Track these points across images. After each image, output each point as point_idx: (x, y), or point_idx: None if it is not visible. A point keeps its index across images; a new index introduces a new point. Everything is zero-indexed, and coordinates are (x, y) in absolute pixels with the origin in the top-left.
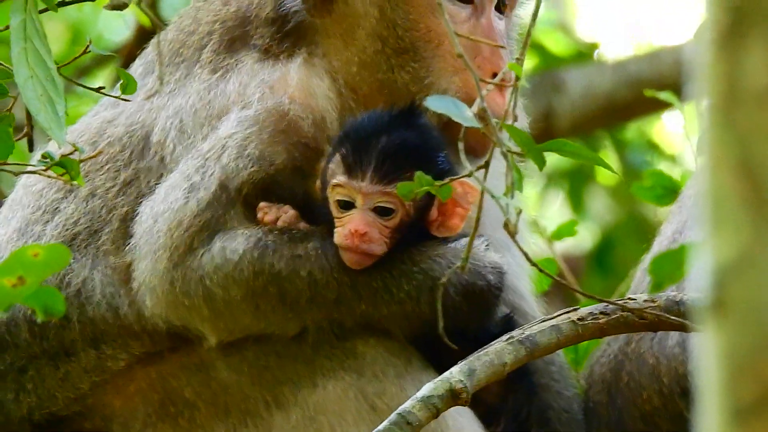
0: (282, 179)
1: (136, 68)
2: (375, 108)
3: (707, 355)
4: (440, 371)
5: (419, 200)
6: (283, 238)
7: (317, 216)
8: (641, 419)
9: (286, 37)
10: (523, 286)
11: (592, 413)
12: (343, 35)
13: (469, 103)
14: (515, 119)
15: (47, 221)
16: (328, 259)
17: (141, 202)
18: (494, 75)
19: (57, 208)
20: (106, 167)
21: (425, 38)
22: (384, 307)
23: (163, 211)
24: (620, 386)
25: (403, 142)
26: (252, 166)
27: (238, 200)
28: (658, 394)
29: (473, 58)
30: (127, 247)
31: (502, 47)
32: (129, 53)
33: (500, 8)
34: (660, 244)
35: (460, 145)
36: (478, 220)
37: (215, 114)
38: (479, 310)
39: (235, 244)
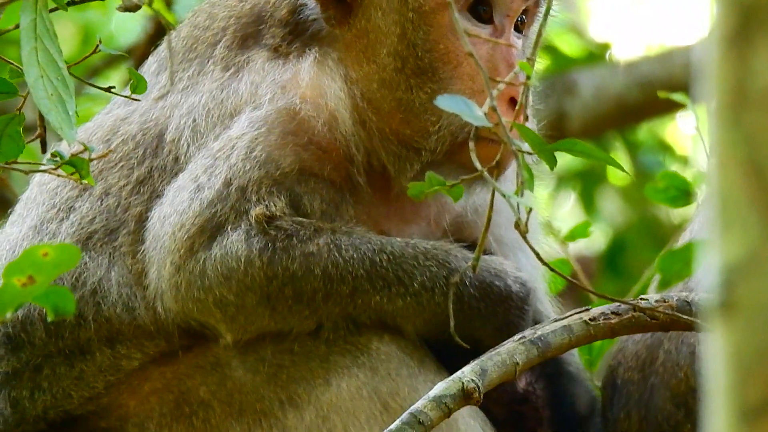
0: (288, 182)
1: (149, 65)
2: (394, 125)
3: (716, 355)
4: (452, 374)
5: None
6: (291, 238)
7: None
8: (672, 400)
9: (297, 38)
10: (538, 287)
11: (620, 391)
12: (363, 51)
13: (485, 128)
14: (526, 119)
15: (62, 219)
16: (340, 253)
17: (155, 201)
18: (512, 99)
19: (72, 206)
20: (120, 165)
21: (444, 59)
22: (399, 299)
23: (169, 214)
24: (655, 365)
25: None
26: (258, 169)
27: (240, 200)
28: (695, 373)
29: (495, 86)
30: (141, 251)
31: (507, 44)
32: (143, 53)
33: (518, 27)
34: (691, 236)
35: (471, 145)
36: (489, 219)
37: (228, 113)
38: (497, 315)
39: (237, 250)
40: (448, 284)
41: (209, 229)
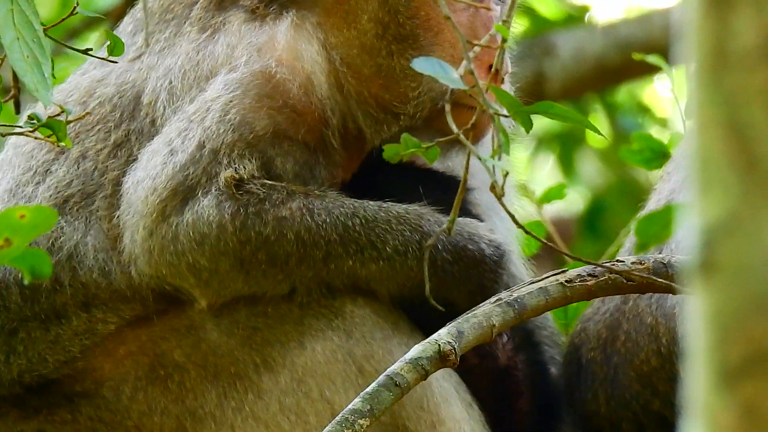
0: (261, 145)
1: (125, 26)
2: (373, 90)
3: (696, 316)
4: (427, 337)
5: None
6: (263, 202)
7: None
8: (638, 380)
9: (275, 0)
10: (512, 250)
11: (585, 371)
12: (344, 16)
13: (465, 95)
14: (501, 82)
15: (38, 183)
16: (313, 217)
17: (131, 165)
18: (491, 67)
19: (48, 169)
20: (97, 128)
21: (425, 26)
22: (372, 264)
23: (142, 178)
24: (617, 345)
25: None
26: (232, 132)
27: (212, 163)
28: (656, 354)
29: (471, 48)
30: (117, 216)
31: (485, 7)
32: (120, 15)
33: None
34: (656, 204)
35: (447, 107)
36: (464, 181)
37: (204, 76)
38: (471, 279)
39: (208, 215)
40: (421, 248)
41: (181, 193)
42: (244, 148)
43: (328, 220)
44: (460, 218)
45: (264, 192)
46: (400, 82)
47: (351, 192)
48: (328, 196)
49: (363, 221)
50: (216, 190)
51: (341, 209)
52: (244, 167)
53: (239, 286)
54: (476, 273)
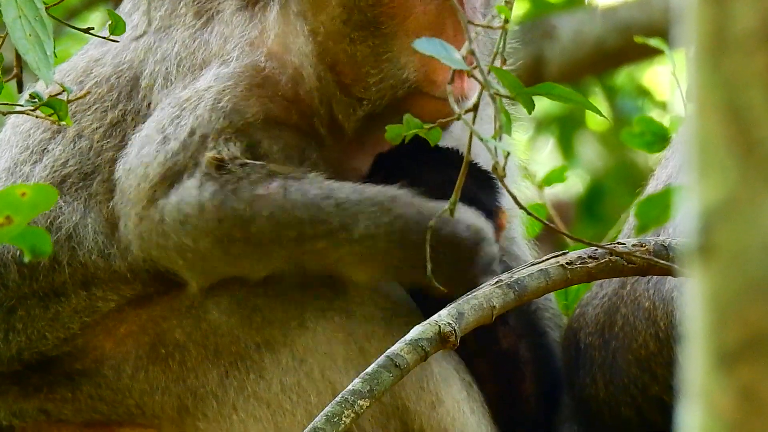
0: (251, 130)
1: (124, 5)
2: (340, 76)
3: (693, 299)
4: (426, 318)
5: None
6: (241, 181)
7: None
8: (636, 364)
9: None
10: (515, 230)
11: (583, 355)
12: (317, 2)
13: (426, 84)
14: (503, 63)
15: (35, 162)
16: (287, 197)
17: (126, 145)
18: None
19: (45, 148)
20: (94, 108)
21: (389, 13)
22: (343, 246)
23: (135, 166)
24: (614, 330)
25: None
26: (223, 119)
27: (200, 148)
28: (654, 338)
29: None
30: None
31: None
32: None
33: None
34: (655, 188)
35: (449, 88)
36: (466, 163)
37: (198, 64)
38: (447, 263)
39: (190, 195)
40: (393, 231)
41: (169, 177)
42: (232, 133)
43: (301, 200)
44: (439, 203)
45: (244, 172)
46: (361, 68)
47: (371, 175)
48: (307, 178)
49: (335, 202)
50: (199, 172)
51: (317, 191)
52: (228, 149)
53: (222, 266)
54: (452, 258)
